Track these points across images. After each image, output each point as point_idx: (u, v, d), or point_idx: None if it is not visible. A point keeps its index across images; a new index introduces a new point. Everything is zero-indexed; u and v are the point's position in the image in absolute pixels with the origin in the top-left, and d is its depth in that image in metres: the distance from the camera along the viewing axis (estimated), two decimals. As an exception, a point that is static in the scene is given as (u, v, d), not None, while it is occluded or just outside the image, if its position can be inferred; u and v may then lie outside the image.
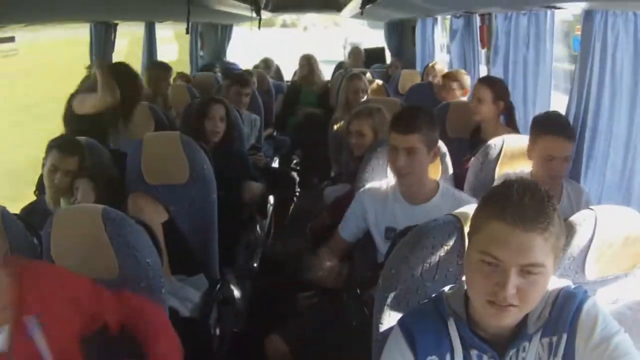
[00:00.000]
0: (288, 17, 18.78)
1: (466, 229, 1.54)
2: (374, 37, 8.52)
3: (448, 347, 1.43)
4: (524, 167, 2.63)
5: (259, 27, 5.96)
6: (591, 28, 2.50)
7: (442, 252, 1.60)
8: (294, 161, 6.01)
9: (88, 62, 3.64)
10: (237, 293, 3.02)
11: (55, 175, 2.55)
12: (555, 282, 1.44)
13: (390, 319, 1.62)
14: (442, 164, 2.79)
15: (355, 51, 7.32)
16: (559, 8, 2.82)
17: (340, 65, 7.56)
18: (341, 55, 9.85)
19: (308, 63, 6.36)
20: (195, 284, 2.58)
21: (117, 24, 4.14)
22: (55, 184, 2.56)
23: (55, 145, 2.62)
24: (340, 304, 2.42)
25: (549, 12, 3.14)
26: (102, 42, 3.95)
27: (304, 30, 21.24)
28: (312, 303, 3.00)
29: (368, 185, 2.57)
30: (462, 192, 2.51)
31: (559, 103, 3.15)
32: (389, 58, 8.18)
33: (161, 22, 5.31)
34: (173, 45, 7.74)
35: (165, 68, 4.76)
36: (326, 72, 7.22)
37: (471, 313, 1.42)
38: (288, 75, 7.66)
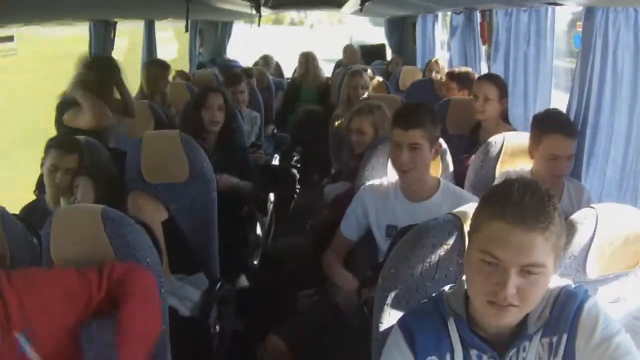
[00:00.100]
0: (296, 14, 18.95)
1: (466, 228, 1.53)
2: (380, 34, 8.47)
3: (448, 347, 1.43)
4: (524, 165, 2.63)
5: (259, 25, 5.95)
6: (592, 25, 2.49)
7: (442, 252, 1.59)
8: (294, 158, 6.00)
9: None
10: (237, 291, 3.02)
11: (55, 174, 2.54)
12: (555, 281, 1.44)
13: (390, 318, 1.62)
14: (442, 162, 2.78)
15: (349, 49, 7.28)
16: (560, 4, 2.81)
17: (340, 63, 7.54)
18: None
19: (306, 61, 6.34)
20: (195, 283, 2.58)
21: (116, 23, 4.13)
22: (55, 183, 2.55)
23: (54, 144, 2.61)
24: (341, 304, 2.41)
25: (549, 8, 3.12)
26: (102, 40, 3.94)
27: (310, 27, 21.48)
28: (313, 302, 2.99)
29: (369, 183, 2.57)
30: (462, 189, 2.50)
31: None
32: (389, 55, 8.17)
33: (160, 20, 5.30)
34: (173, 44, 7.73)
35: (163, 66, 4.74)
36: (331, 71, 7.22)
37: (471, 313, 1.42)
38: (291, 72, 7.65)
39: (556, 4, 2.85)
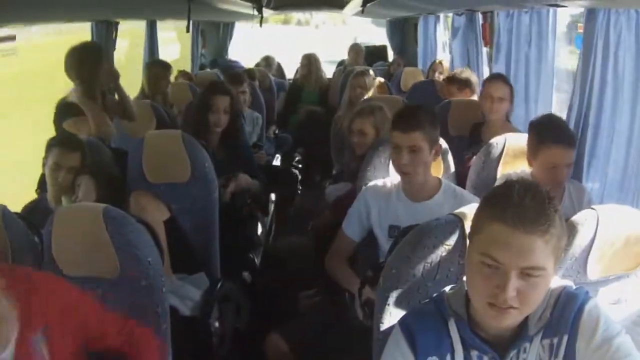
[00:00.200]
0: (302, 15, 19.39)
1: (467, 229, 1.53)
2: (383, 35, 8.46)
3: (448, 347, 1.43)
4: (525, 167, 2.62)
5: (261, 25, 5.95)
6: (594, 26, 2.50)
7: (443, 252, 1.59)
8: (296, 159, 6.00)
9: None
10: (238, 291, 3.01)
11: (58, 173, 2.54)
12: (556, 283, 1.43)
13: (391, 318, 1.62)
14: (444, 162, 2.79)
15: (355, 48, 7.27)
16: (562, 6, 2.82)
17: (341, 63, 7.54)
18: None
19: (309, 63, 6.34)
20: (196, 283, 2.58)
21: (118, 23, 4.13)
22: (58, 181, 2.55)
23: (56, 142, 2.61)
24: (342, 303, 2.41)
25: (551, 10, 3.13)
26: (103, 40, 3.94)
27: (316, 28, 21.86)
28: (314, 302, 2.99)
29: (371, 183, 2.57)
30: (464, 189, 2.50)
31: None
32: (390, 56, 8.17)
33: (162, 20, 5.30)
34: (175, 45, 7.73)
35: (164, 66, 4.75)
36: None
37: (472, 313, 1.42)
38: (294, 72, 7.66)
39: (558, 6, 2.85)
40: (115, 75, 3.49)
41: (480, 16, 4.39)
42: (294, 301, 3.09)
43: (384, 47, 8.55)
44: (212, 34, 7.73)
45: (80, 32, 3.91)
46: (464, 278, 1.43)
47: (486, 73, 4.25)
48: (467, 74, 4.26)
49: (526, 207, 1.29)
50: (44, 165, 2.61)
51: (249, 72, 5.89)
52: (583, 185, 2.62)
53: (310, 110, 6.09)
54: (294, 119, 6.15)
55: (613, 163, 2.59)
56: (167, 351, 1.94)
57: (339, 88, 5.69)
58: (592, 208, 1.75)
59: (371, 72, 4.80)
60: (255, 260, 3.58)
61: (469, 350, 1.42)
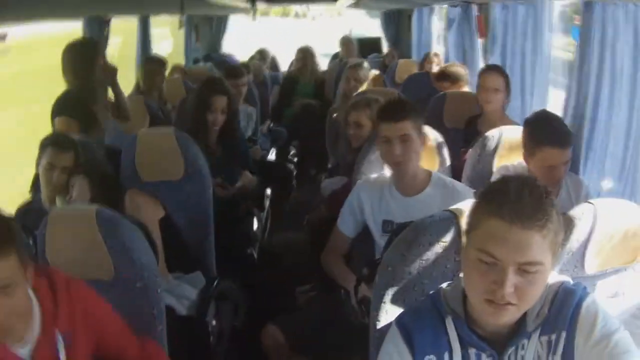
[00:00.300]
0: (299, 8, 19.87)
1: (463, 225, 1.52)
2: (378, 27, 8.44)
3: (446, 345, 1.42)
4: (521, 160, 2.61)
5: (254, 18, 5.92)
6: (591, 19, 2.48)
7: (439, 249, 1.58)
8: (291, 153, 5.98)
9: None
10: (234, 288, 3.01)
11: (52, 173, 2.53)
12: (554, 278, 1.43)
13: (387, 316, 1.61)
14: (439, 155, 2.78)
15: (346, 41, 7.24)
16: (559, -1, 2.80)
17: (335, 56, 7.51)
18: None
19: (304, 56, 6.31)
20: (192, 281, 2.57)
21: (110, 19, 4.09)
22: (52, 182, 2.54)
23: (49, 142, 2.60)
24: (338, 300, 2.40)
25: (546, 1, 3.11)
26: (96, 37, 3.91)
27: (312, 20, 22.10)
28: (310, 297, 2.99)
29: (364, 179, 2.56)
30: (455, 181, 2.49)
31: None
32: (385, 48, 8.14)
33: (156, 15, 5.26)
34: (168, 40, 7.70)
35: (159, 62, 4.73)
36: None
37: (469, 311, 1.41)
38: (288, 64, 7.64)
39: (555, -2, 2.84)
40: (112, 71, 3.45)
41: (475, 8, 4.37)
42: (290, 297, 3.08)
43: (378, 39, 8.53)
44: (206, 28, 7.68)
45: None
46: (461, 275, 1.43)
47: (481, 65, 4.23)
48: (455, 67, 4.26)
49: (523, 203, 1.28)
50: (37, 165, 2.59)
51: (244, 65, 5.86)
52: (580, 178, 2.60)
53: (305, 103, 6.06)
54: (289, 112, 6.12)
55: (610, 156, 2.58)
56: (164, 352, 1.93)
57: (334, 81, 5.66)
58: (589, 202, 1.75)
59: (366, 64, 4.78)
60: (251, 256, 3.57)
61: (466, 348, 1.42)
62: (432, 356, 1.42)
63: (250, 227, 3.67)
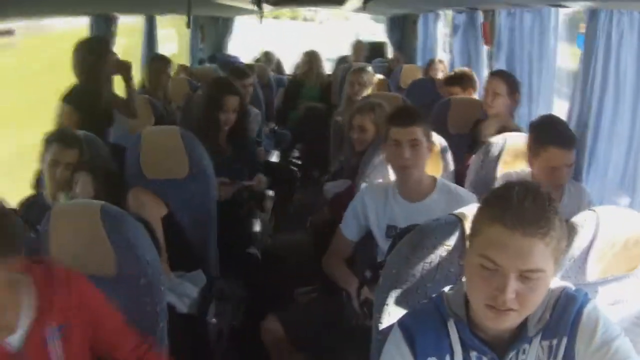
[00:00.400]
0: (308, 12, 20.40)
1: (467, 229, 1.52)
2: (383, 32, 8.46)
3: (448, 348, 1.42)
4: (525, 167, 2.61)
5: (261, 20, 5.93)
6: (595, 27, 2.49)
7: (443, 252, 1.59)
8: (295, 155, 5.99)
9: None
10: (236, 288, 3.01)
11: (56, 169, 2.54)
12: (556, 284, 1.43)
13: (390, 318, 1.62)
14: (443, 160, 2.78)
15: (357, 45, 7.25)
16: (564, 6, 2.80)
17: (343, 60, 7.52)
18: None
19: (309, 60, 6.32)
20: (194, 280, 2.58)
21: (117, 18, 4.11)
22: (56, 177, 2.54)
23: (54, 138, 2.61)
24: (339, 302, 2.40)
25: (552, 9, 3.12)
26: (102, 35, 3.92)
27: (320, 23, 22.77)
28: (311, 298, 2.99)
29: (368, 184, 2.57)
30: (460, 187, 2.50)
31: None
32: (389, 52, 8.15)
33: (162, 15, 5.28)
34: (173, 43, 7.73)
35: (165, 60, 4.74)
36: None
37: (471, 314, 1.41)
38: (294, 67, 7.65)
39: (560, 6, 2.84)
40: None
41: (481, 14, 4.37)
42: (292, 297, 3.08)
43: (383, 44, 8.54)
44: (211, 29, 7.70)
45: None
46: (464, 279, 1.43)
47: (486, 72, 4.24)
48: (467, 72, 4.25)
49: (526, 210, 1.28)
50: (41, 161, 2.60)
51: (248, 67, 5.86)
52: (583, 186, 2.61)
53: (310, 107, 6.06)
54: (293, 115, 6.13)
55: (613, 165, 2.58)
56: (165, 349, 1.93)
57: (340, 84, 5.67)
58: (592, 209, 1.75)
59: (370, 68, 4.78)
60: (254, 256, 3.57)
61: (468, 351, 1.42)
62: (433, 358, 1.42)
63: (253, 228, 3.67)
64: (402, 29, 7.67)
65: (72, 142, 2.59)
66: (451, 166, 2.82)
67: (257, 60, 7.26)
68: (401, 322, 1.47)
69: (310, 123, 5.74)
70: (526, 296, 1.30)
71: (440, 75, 5.00)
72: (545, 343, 1.40)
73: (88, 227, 1.88)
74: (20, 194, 2.72)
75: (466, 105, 3.63)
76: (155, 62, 4.69)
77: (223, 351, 2.69)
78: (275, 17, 19.10)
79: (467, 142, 3.36)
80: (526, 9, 3.33)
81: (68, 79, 3.29)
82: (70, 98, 3.24)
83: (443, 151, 2.77)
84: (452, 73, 4.43)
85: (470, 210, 1.55)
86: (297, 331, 2.44)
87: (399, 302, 1.61)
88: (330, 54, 7.56)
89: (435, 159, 2.70)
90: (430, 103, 3.86)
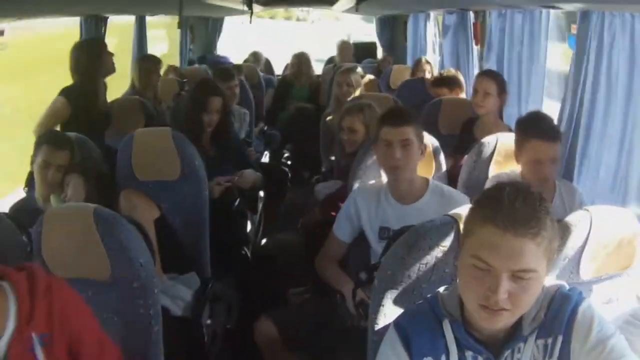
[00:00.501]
0: (300, 12, 20.45)
1: (462, 229, 1.53)
2: (374, 32, 8.48)
3: (443, 348, 1.43)
4: (516, 167, 2.62)
5: (250, 21, 5.92)
6: (587, 28, 2.50)
7: (438, 253, 1.59)
8: (285, 155, 5.98)
9: None
10: (228, 290, 3.00)
11: (47, 171, 2.52)
12: (550, 283, 1.44)
13: (385, 319, 1.62)
14: (435, 161, 2.78)
15: (342, 46, 7.24)
16: (556, 8, 2.82)
17: (330, 60, 7.52)
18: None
19: (299, 62, 6.32)
20: (187, 282, 2.56)
21: (107, 18, 4.08)
22: (47, 180, 2.53)
23: (45, 140, 2.59)
24: (332, 303, 2.40)
25: (544, 10, 3.13)
26: (93, 36, 3.90)
27: (312, 23, 23.22)
28: (304, 299, 2.99)
29: (361, 185, 2.57)
30: (452, 188, 2.51)
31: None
32: (379, 53, 8.15)
33: (153, 15, 5.25)
34: (163, 42, 7.71)
35: (155, 60, 4.72)
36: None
37: (466, 314, 1.42)
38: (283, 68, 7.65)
39: (551, 7, 2.85)
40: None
41: (472, 15, 4.38)
42: (284, 298, 3.08)
43: (373, 44, 8.54)
44: (201, 30, 7.67)
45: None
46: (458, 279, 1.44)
47: (476, 72, 4.25)
48: (453, 73, 4.27)
49: (517, 210, 1.29)
50: (32, 163, 2.58)
51: (237, 67, 5.85)
52: (574, 185, 2.63)
53: (300, 107, 6.05)
54: (283, 115, 6.12)
55: (605, 165, 2.60)
56: (160, 353, 1.92)
57: (329, 85, 5.67)
58: (585, 209, 1.76)
59: (359, 69, 4.78)
60: (245, 257, 3.56)
61: (463, 350, 1.42)
62: (429, 358, 1.42)
63: (244, 229, 3.66)
64: (392, 29, 7.67)
65: (63, 143, 2.58)
66: (443, 167, 2.83)
67: (246, 61, 7.25)
68: (397, 323, 1.47)
69: (300, 123, 5.73)
70: (519, 296, 1.30)
71: (427, 75, 5.02)
72: (541, 342, 1.41)
73: (81, 230, 1.87)
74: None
75: (457, 106, 3.64)
76: (145, 61, 4.66)
77: (217, 353, 2.68)
78: (272, 17, 19.98)
79: (459, 142, 3.36)
80: (517, 9, 3.34)
81: (59, 77, 3.31)
82: (68, 93, 3.30)
83: (435, 152, 2.78)
84: (439, 74, 4.45)
85: (465, 211, 1.56)
86: (291, 332, 2.44)
87: (394, 303, 1.61)
88: (321, 54, 7.54)
89: (428, 160, 2.70)
90: (421, 103, 3.87)
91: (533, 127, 2.48)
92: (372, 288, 1.71)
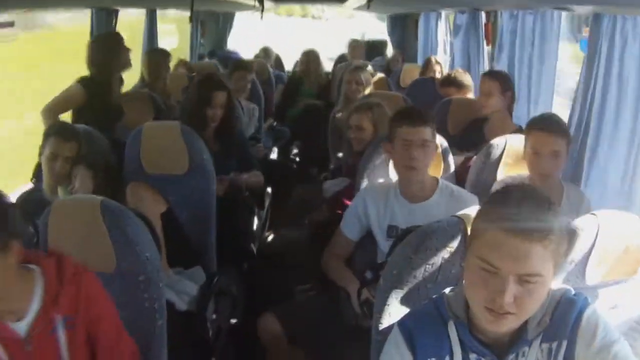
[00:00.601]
0: (316, 10, 22.09)
1: (469, 231, 1.52)
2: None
3: (447, 350, 1.43)
4: (524, 171, 2.60)
5: (262, 17, 5.91)
6: (599, 31, 2.49)
7: (445, 254, 1.59)
8: (293, 152, 5.98)
9: None
10: (234, 285, 3.00)
11: (55, 162, 2.53)
12: (556, 287, 1.43)
13: (390, 319, 1.62)
14: (444, 162, 2.78)
15: (353, 44, 7.24)
16: (568, 10, 2.80)
17: (341, 58, 7.51)
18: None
19: (308, 60, 6.32)
20: (192, 277, 2.56)
21: (118, 10, 4.09)
22: (55, 171, 2.54)
23: (53, 132, 2.60)
24: (338, 302, 2.40)
25: (555, 12, 3.12)
26: (103, 28, 3.91)
27: (326, 21, 23.73)
28: (310, 296, 2.99)
29: (370, 183, 2.57)
30: (461, 188, 2.50)
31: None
32: (389, 51, 8.14)
33: (163, 9, 5.26)
34: (173, 37, 7.73)
35: (164, 53, 4.74)
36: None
37: (471, 316, 1.41)
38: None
39: (564, 9, 2.84)
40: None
41: (483, 15, 4.37)
42: (290, 294, 3.08)
43: (383, 42, 8.53)
44: (212, 25, 7.67)
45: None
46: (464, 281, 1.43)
47: (487, 72, 4.23)
48: (461, 74, 4.26)
49: (524, 214, 1.28)
50: (40, 154, 2.59)
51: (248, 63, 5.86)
52: (581, 190, 2.61)
53: (309, 104, 6.06)
54: (292, 112, 6.13)
55: (613, 169, 2.59)
56: (164, 347, 1.93)
57: (338, 82, 5.66)
58: (592, 214, 1.75)
59: (370, 67, 4.77)
60: (251, 253, 3.57)
61: (467, 353, 1.42)
62: (433, 359, 1.42)
63: (251, 225, 3.66)
64: (403, 28, 7.66)
65: (70, 135, 2.58)
66: (452, 167, 2.83)
67: (257, 56, 7.25)
68: (401, 323, 1.47)
69: (309, 120, 5.74)
70: (524, 300, 1.30)
71: (437, 76, 5.00)
72: (545, 346, 1.40)
73: (88, 222, 1.87)
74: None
75: (466, 106, 3.63)
76: (155, 55, 4.68)
77: (222, 348, 2.68)
78: (289, 15, 21.17)
79: (470, 143, 3.35)
80: (528, 10, 3.32)
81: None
82: (85, 82, 3.39)
83: (444, 152, 2.77)
84: (447, 75, 4.45)
85: (473, 212, 1.55)
86: (295, 328, 2.44)
87: (399, 302, 1.61)
88: (335, 52, 7.55)
89: (437, 160, 2.70)
90: (431, 103, 3.86)
91: (537, 120, 2.50)
92: (377, 287, 1.71)
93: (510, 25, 3.63)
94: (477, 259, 1.32)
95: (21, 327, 1.60)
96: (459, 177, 2.87)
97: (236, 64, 4.69)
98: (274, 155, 5.39)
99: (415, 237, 1.62)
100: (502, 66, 3.72)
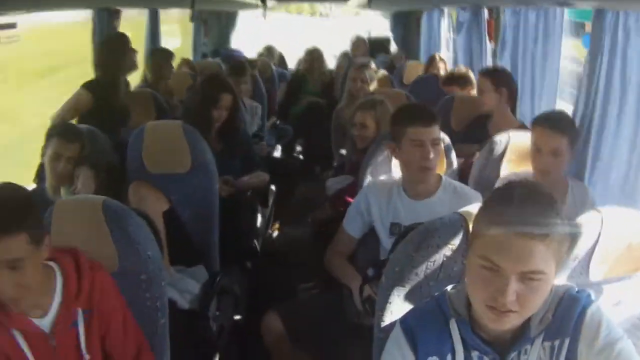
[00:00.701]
0: (323, 8, 22.71)
1: (472, 228, 1.52)
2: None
3: (449, 347, 1.42)
4: (527, 168, 2.59)
5: (265, 16, 5.92)
6: (601, 27, 2.47)
7: (447, 252, 1.58)
8: (296, 149, 5.99)
9: None
10: (236, 283, 3.01)
11: (57, 163, 2.54)
12: (559, 284, 1.42)
13: (392, 316, 1.61)
14: (446, 158, 2.77)
15: (356, 41, 7.23)
16: (570, 6, 2.79)
17: (344, 55, 7.50)
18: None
19: (311, 59, 6.33)
20: (195, 275, 2.57)
21: (120, 10, 4.09)
22: (57, 172, 2.54)
23: (56, 132, 2.61)
24: (340, 299, 2.40)
25: (558, 9, 3.10)
26: (105, 29, 3.91)
27: (333, 19, 24.17)
28: (313, 294, 2.99)
29: (372, 181, 2.56)
30: (465, 185, 2.49)
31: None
32: (392, 48, 8.13)
33: (165, 8, 5.26)
34: (176, 38, 7.74)
35: (167, 53, 4.75)
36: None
37: (473, 314, 1.41)
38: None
39: (566, 5, 2.83)
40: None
41: (485, 12, 4.35)
42: (293, 293, 3.08)
43: (386, 39, 8.52)
44: (215, 24, 7.67)
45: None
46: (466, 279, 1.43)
47: (489, 69, 4.22)
48: (464, 71, 4.25)
49: (526, 211, 1.28)
50: (43, 155, 2.60)
51: (251, 62, 5.86)
52: (586, 185, 2.60)
53: (312, 102, 6.07)
54: (296, 109, 6.13)
55: (616, 166, 2.57)
56: (166, 345, 1.93)
57: (341, 80, 5.66)
58: (597, 210, 1.74)
59: (373, 65, 4.76)
60: (255, 251, 3.57)
61: (469, 350, 1.42)
62: (434, 357, 1.42)
63: (254, 223, 3.67)
64: (406, 25, 7.64)
65: (73, 136, 2.59)
66: (455, 164, 2.82)
67: (260, 55, 7.26)
68: (403, 321, 1.47)
69: (312, 118, 5.75)
70: (527, 298, 1.29)
71: (441, 72, 4.99)
72: (547, 344, 1.40)
73: (90, 221, 1.88)
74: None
75: (469, 103, 3.62)
76: (157, 54, 4.69)
77: (224, 346, 2.69)
78: (299, 13, 22.36)
79: (474, 139, 3.34)
80: (531, 7, 3.31)
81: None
82: (90, 86, 3.41)
83: (447, 149, 2.76)
84: (450, 72, 4.44)
85: (474, 209, 1.55)
86: (297, 327, 2.44)
87: (401, 300, 1.61)
88: (340, 49, 7.56)
89: (440, 158, 2.69)
90: (434, 100, 3.85)
91: (540, 117, 2.50)
92: (379, 285, 1.70)
93: (513, 21, 3.62)
94: (479, 258, 1.32)
95: (45, 323, 1.67)
96: (462, 174, 2.86)
97: (230, 70, 4.68)
98: (277, 153, 5.39)
99: (416, 235, 1.62)
100: (504, 63, 3.70)
